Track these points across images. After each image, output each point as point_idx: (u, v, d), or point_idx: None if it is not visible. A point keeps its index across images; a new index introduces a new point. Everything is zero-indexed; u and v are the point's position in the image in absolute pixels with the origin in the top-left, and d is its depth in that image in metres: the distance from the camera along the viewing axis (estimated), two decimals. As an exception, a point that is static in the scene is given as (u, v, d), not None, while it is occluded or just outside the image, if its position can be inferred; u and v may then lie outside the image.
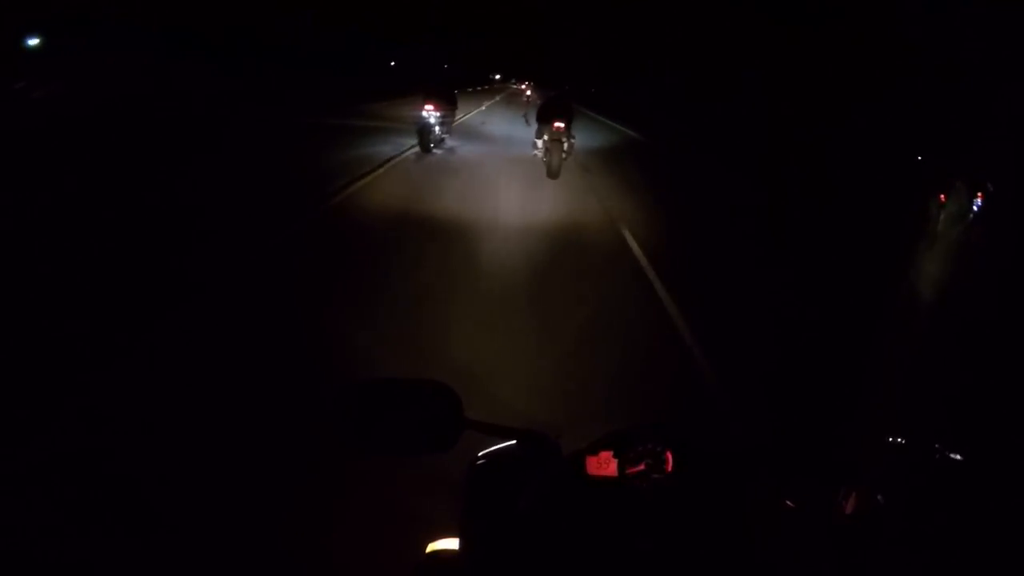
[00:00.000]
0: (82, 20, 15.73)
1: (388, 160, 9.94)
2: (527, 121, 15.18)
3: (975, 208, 7.22)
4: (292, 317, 3.79)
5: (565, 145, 9.88)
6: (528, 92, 38.06)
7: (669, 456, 0.96)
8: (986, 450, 1.00)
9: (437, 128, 11.19)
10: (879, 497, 0.88)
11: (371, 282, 4.54)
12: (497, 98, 34.26)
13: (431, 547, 1.12)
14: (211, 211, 5.99)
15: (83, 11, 16.05)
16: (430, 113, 10.82)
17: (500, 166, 11.01)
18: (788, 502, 0.92)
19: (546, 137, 9.91)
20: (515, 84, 70.43)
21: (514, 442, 0.99)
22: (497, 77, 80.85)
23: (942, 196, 7.52)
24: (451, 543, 1.07)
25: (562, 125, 9.72)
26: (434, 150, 11.23)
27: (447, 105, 11.44)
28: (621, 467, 0.96)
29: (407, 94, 19.01)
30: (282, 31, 27.49)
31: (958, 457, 0.94)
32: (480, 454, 1.05)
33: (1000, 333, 4.43)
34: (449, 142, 12.27)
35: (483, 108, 24.95)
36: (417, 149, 11.01)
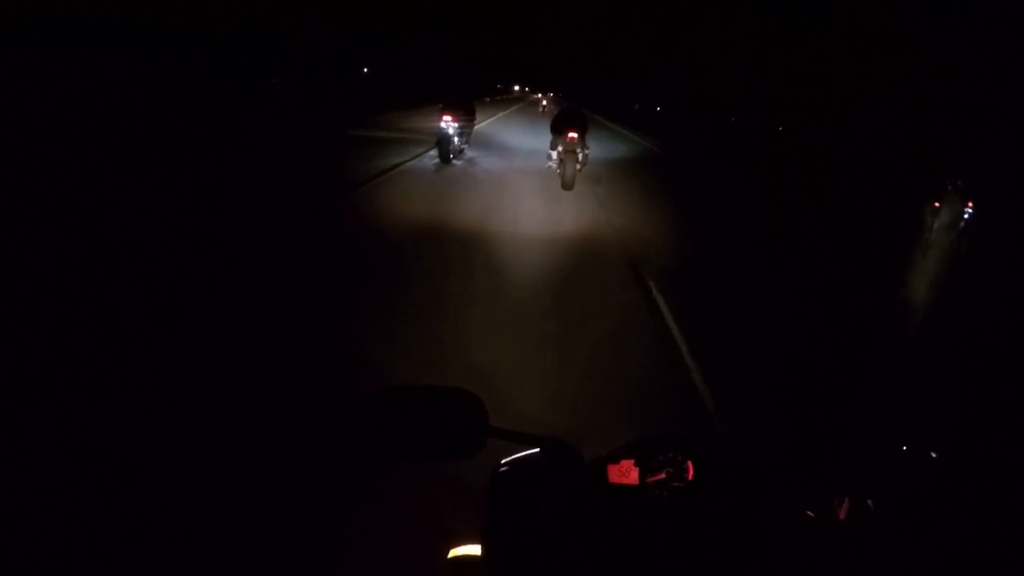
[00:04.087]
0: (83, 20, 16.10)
1: (396, 167, 10.14)
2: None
3: (966, 217, 7.11)
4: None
5: (579, 155, 9.79)
6: (544, 103, 37.92)
7: (690, 465, 0.96)
8: (980, 457, 1.01)
9: (456, 139, 11.33)
10: (869, 503, 0.88)
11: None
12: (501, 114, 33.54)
13: (453, 553, 1.13)
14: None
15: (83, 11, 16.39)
16: (448, 124, 10.95)
17: (518, 177, 10.99)
18: (809, 512, 0.92)
19: (560, 148, 9.81)
20: (531, 94, 70.63)
21: (536, 450, 1.01)
22: (516, 88, 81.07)
23: (936, 203, 7.44)
24: (473, 549, 1.09)
25: (575, 135, 9.63)
26: (454, 161, 11.33)
27: (465, 116, 11.58)
28: (642, 476, 0.96)
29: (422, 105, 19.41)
30: (285, 33, 27.97)
31: (953, 464, 0.94)
32: (503, 461, 1.06)
33: (990, 343, 4.39)
34: (468, 152, 12.45)
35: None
36: (437, 160, 11.13)
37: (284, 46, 27.34)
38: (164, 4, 20.89)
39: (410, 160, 11.16)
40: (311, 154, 11.60)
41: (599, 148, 14.87)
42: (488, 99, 37.83)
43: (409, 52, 40.32)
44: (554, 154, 10.16)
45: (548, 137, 10.48)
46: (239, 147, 11.33)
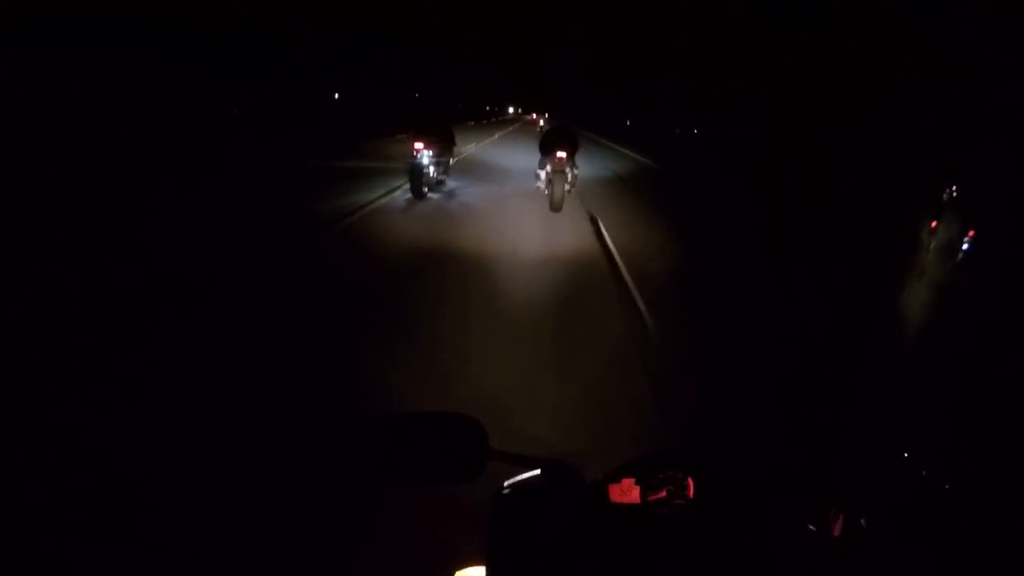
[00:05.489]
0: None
1: (363, 207, 8.79)
2: None
3: (964, 247, 6.43)
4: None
5: (568, 176, 9.75)
6: (541, 123, 38.28)
7: (690, 482, 0.97)
8: (974, 474, 1.03)
9: (431, 169, 10.06)
10: (862, 521, 0.90)
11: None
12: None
13: (458, 575, 1.14)
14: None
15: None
16: (422, 153, 9.64)
17: (504, 207, 10.17)
18: (811, 526, 0.94)
19: (548, 168, 9.74)
20: (525, 115, 71.63)
21: (538, 471, 1.02)
22: (511, 110, 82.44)
23: (933, 223, 6.98)
24: (478, 571, 1.09)
25: (564, 155, 9.57)
26: (429, 195, 10.05)
27: (442, 142, 10.38)
28: (643, 494, 0.97)
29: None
30: (285, 34, 27.88)
31: (945, 481, 0.96)
32: (505, 483, 1.07)
33: (987, 358, 4.38)
34: (449, 183, 11.26)
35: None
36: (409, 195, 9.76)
37: (283, 46, 27.32)
38: (164, 4, 20.84)
39: (380, 197, 9.69)
40: (262, 193, 9.83)
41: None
42: (472, 123, 37.60)
43: (406, 56, 39.74)
44: (542, 174, 10.09)
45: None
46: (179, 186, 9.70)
